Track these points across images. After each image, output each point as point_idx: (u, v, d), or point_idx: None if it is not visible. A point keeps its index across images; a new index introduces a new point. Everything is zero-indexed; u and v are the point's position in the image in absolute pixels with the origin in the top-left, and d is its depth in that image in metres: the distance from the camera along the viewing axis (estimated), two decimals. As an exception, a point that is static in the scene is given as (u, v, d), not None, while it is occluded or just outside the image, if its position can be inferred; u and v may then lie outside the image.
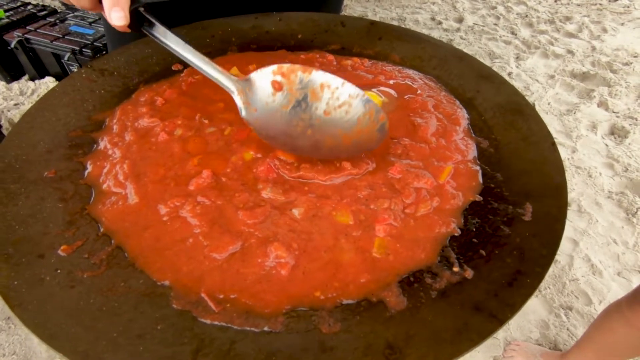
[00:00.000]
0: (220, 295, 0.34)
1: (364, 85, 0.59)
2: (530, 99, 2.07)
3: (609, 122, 1.94)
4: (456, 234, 0.39)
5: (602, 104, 2.02)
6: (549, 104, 2.04)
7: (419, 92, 0.58)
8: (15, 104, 2.12)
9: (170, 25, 0.47)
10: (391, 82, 0.60)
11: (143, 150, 0.47)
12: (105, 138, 0.50)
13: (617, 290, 1.36)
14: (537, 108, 2.03)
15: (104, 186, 0.43)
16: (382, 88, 0.59)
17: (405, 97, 0.57)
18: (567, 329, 1.24)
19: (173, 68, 0.63)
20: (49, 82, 2.14)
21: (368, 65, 0.64)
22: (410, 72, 0.64)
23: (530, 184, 0.44)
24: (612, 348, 0.88)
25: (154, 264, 0.36)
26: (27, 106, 2.14)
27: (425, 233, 0.39)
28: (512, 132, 0.51)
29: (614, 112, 1.99)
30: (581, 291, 1.35)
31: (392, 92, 0.58)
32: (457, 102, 0.57)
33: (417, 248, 0.38)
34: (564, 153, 1.77)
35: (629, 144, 1.84)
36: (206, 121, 0.51)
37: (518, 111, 0.53)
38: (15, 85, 2.16)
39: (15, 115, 2.10)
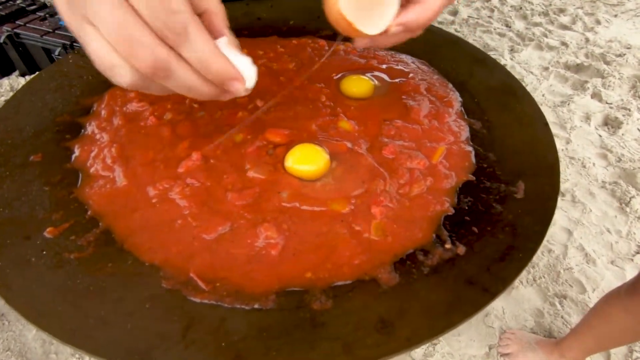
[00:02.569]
0: (210, 275, 0.33)
1: (357, 70, 0.58)
2: (524, 91, 2.07)
3: (603, 113, 1.94)
4: (450, 213, 0.39)
5: (596, 95, 2.03)
6: (543, 95, 2.05)
7: (411, 75, 0.57)
8: (6, 101, 2.09)
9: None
10: (384, 66, 0.60)
11: (132, 134, 0.46)
12: (93, 123, 0.49)
13: (610, 279, 1.37)
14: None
15: (92, 170, 0.43)
16: (374, 73, 0.58)
17: (398, 80, 0.56)
18: (562, 317, 1.25)
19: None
20: (40, 78, 2.11)
21: (360, 51, 0.64)
22: (403, 56, 0.63)
23: (523, 163, 0.44)
24: (610, 334, 0.89)
25: (143, 245, 0.35)
26: (18, 102, 2.11)
27: (420, 212, 0.39)
28: (505, 113, 0.51)
29: (607, 103, 2.00)
30: (575, 280, 1.36)
31: (385, 76, 0.58)
32: (450, 85, 0.57)
33: (414, 228, 0.37)
34: (558, 144, 1.77)
35: (622, 134, 1.85)
36: (196, 105, 0.50)
37: (511, 93, 0.53)
38: (5, 81, 2.13)
39: (6, 111, 2.07)
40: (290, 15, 0.72)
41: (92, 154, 0.44)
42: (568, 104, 1.99)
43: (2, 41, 1.81)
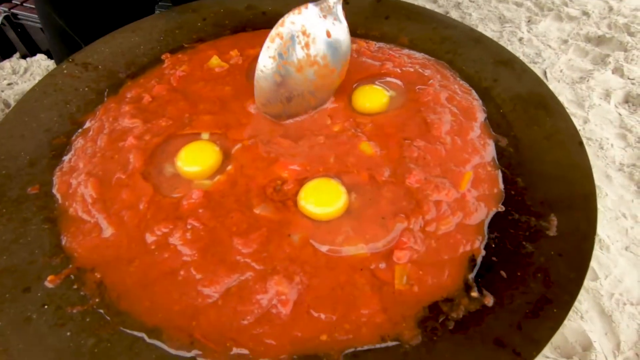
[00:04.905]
0: (216, 336, 0.31)
1: (371, 76, 0.54)
2: (541, 67, 1.98)
3: (624, 89, 1.85)
4: (482, 254, 0.36)
5: (617, 70, 1.92)
6: (561, 71, 1.95)
7: (430, 82, 0.53)
8: (9, 84, 2.04)
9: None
10: (399, 70, 0.55)
11: (105, 161, 0.42)
12: (80, 141, 0.45)
13: (624, 265, 1.34)
14: (549, 76, 1.94)
15: (70, 210, 0.39)
16: (388, 79, 0.54)
17: (416, 88, 0.52)
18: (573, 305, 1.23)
19: (162, 57, 0.58)
20: (41, 60, 2.05)
21: (374, 50, 0.59)
22: (421, 56, 0.58)
23: (555, 191, 0.40)
24: None
25: (141, 303, 0.33)
26: (21, 85, 2.07)
27: (448, 254, 0.35)
28: (534, 128, 0.47)
29: (629, 78, 1.90)
30: (588, 267, 1.33)
31: (400, 82, 0.53)
32: (474, 93, 0.52)
33: (442, 274, 0.34)
34: (575, 124, 1.70)
35: (644, 113, 1.77)
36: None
37: (541, 104, 0.49)
38: (6, 63, 2.07)
39: (10, 95, 2.03)
40: (297, 9, 0.67)
41: (70, 190, 0.40)
42: (587, 80, 1.90)
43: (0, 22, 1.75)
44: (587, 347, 0.98)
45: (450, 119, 0.48)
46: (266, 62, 0.44)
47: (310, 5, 0.44)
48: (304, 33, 0.44)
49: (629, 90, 1.98)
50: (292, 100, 0.46)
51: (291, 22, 0.44)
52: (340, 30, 0.46)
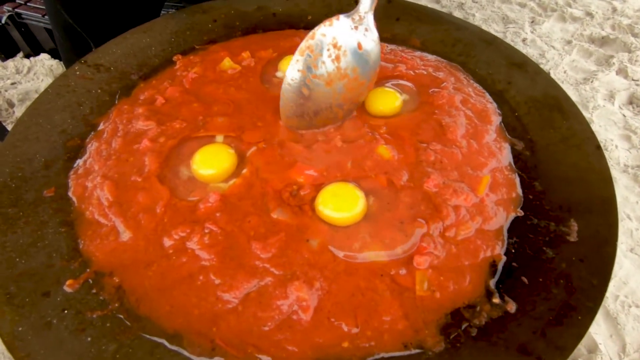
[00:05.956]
0: (237, 342, 0.30)
1: (384, 78, 0.53)
2: (545, 67, 1.98)
3: (628, 90, 1.85)
4: (502, 260, 0.36)
5: (621, 71, 1.92)
6: (564, 72, 1.95)
7: (444, 84, 0.53)
8: (12, 83, 2.03)
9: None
10: (413, 72, 0.55)
11: (120, 163, 0.42)
12: (94, 144, 0.44)
13: (629, 267, 1.34)
14: (553, 77, 1.93)
15: (87, 213, 0.38)
16: (401, 82, 0.53)
17: (430, 91, 0.52)
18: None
19: (174, 59, 0.58)
20: (44, 59, 2.05)
21: (387, 52, 0.58)
22: (433, 58, 0.58)
23: (574, 195, 0.40)
24: None
25: (161, 307, 0.32)
26: (24, 85, 2.06)
27: (469, 260, 0.35)
28: (549, 131, 0.47)
29: (633, 79, 1.89)
30: (593, 269, 1.33)
31: (412, 85, 0.53)
32: (487, 96, 0.52)
33: (463, 280, 0.34)
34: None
35: (648, 114, 1.76)
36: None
37: (556, 107, 0.48)
38: (10, 63, 2.07)
39: (13, 95, 2.03)
40: (308, 10, 0.66)
41: (86, 193, 0.40)
42: (591, 81, 1.90)
43: (3, 22, 1.75)
44: (593, 349, 0.98)
45: (465, 122, 0.47)
46: (294, 75, 0.42)
47: (342, 17, 0.43)
48: (334, 46, 0.42)
49: (633, 91, 1.97)
50: (318, 114, 0.44)
51: (322, 35, 0.42)
52: (371, 40, 0.44)
